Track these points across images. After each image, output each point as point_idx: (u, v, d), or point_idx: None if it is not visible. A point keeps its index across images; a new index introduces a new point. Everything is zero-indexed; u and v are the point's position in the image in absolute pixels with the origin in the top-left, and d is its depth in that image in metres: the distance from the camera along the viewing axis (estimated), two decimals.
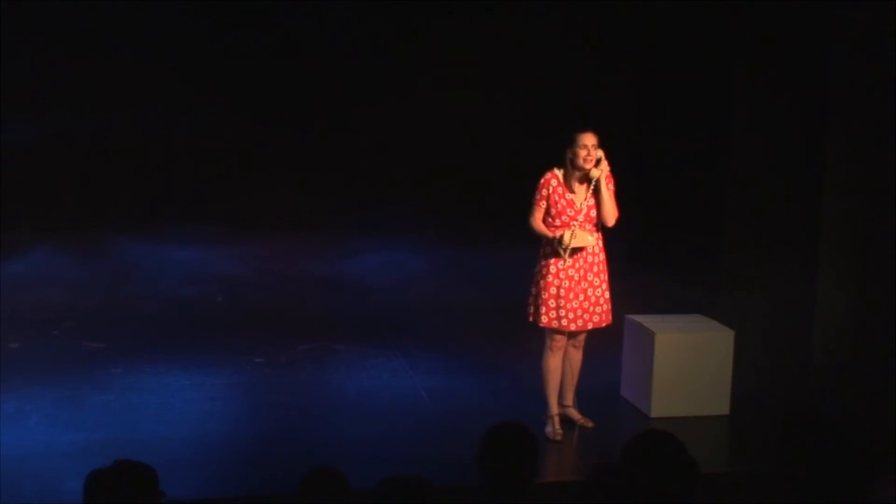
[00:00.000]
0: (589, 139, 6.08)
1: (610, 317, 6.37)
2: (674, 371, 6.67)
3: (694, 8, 8.45)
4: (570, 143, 6.10)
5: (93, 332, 8.17)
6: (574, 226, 6.09)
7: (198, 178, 9.32)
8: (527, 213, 6.22)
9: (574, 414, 6.49)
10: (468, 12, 9.35)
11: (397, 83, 9.48)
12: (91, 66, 8.96)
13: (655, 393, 6.65)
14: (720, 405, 6.73)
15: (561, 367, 6.37)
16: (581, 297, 6.19)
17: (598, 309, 6.27)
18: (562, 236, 6.07)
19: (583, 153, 6.07)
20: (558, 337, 6.28)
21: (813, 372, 7.63)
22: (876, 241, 7.64)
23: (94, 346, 7.92)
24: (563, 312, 6.17)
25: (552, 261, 6.16)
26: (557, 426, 6.33)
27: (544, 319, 6.20)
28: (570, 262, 6.13)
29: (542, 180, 6.18)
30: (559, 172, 6.18)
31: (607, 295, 6.32)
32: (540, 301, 6.19)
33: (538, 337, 6.43)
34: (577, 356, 6.41)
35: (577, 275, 6.17)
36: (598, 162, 6.09)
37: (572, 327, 6.22)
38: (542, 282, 6.18)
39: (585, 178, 6.13)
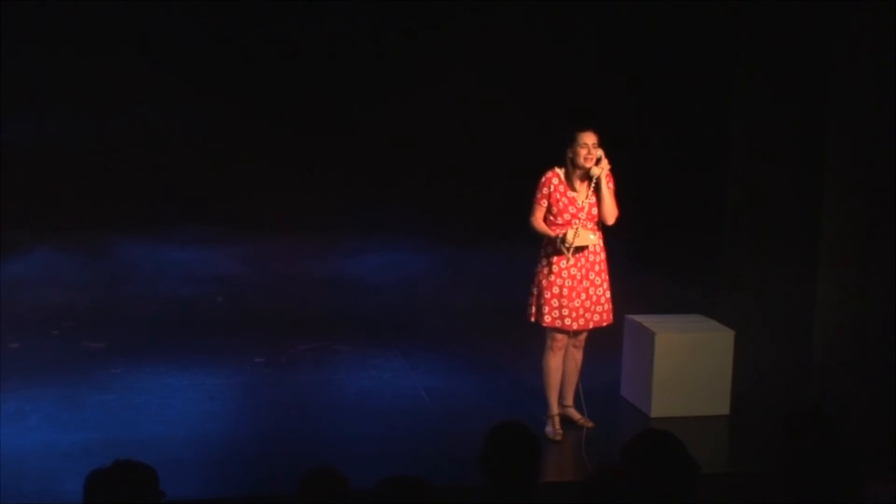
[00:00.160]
0: (589, 138, 6.09)
1: (611, 316, 6.37)
2: (674, 371, 6.67)
3: (694, 8, 8.45)
4: (571, 141, 6.12)
5: (93, 332, 8.17)
6: (576, 224, 6.09)
7: (198, 178, 9.31)
8: (527, 213, 6.22)
9: (574, 414, 6.49)
10: (468, 12, 9.35)
11: (397, 83, 9.47)
12: (91, 66, 8.95)
13: (655, 393, 6.65)
14: (720, 405, 6.73)
15: (561, 366, 6.38)
16: (583, 296, 6.19)
17: (598, 308, 6.27)
18: (564, 235, 6.08)
19: (583, 152, 6.08)
20: (559, 336, 6.29)
21: (813, 372, 7.62)
22: (876, 241, 7.64)
23: (94, 346, 7.92)
24: (565, 312, 6.17)
25: (553, 260, 6.16)
26: (557, 426, 6.34)
27: (547, 319, 6.19)
28: (572, 260, 6.13)
29: (543, 179, 6.19)
30: (560, 171, 6.18)
31: (608, 294, 6.33)
32: (542, 301, 6.19)
33: (538, 337, 6.43)
34: (577, 356, 6.42)
35: (578, 274, 6.17)
36: (598, 160, 6.10)
37: (574, 326, 6.22)
38: (543, 281, 6.18)
39: (586, 177, 6.14)
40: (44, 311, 8.42)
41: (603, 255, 6.28)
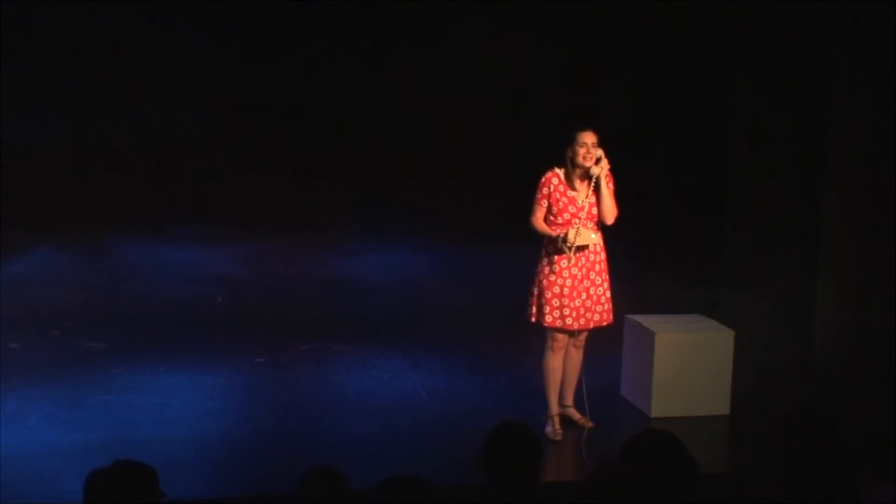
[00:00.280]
0: (588, 137, 6.10)
1: (611, 316, 6.37)
2: (674, 371, 6.67)
3: (694, 8, 8.45)
4: (570, 141, 6.12)
5: (93, 332, 8.17)
6: (576, 223, 6.09)
7: (198, 178, 9.32)
8: (528, 213, 6.22)
9: (574, 414, 6.49)
10: (469, 12, 9.35)
11: (398, 83, 9.47)
12: (91, 66, 8.96)
13: (655, 393, 6.65)
14: (720, 405, 6.73)
15: (562, 366, 6.38)
16: (583, 295, 6.19)
17: (599, 308, 6.27)
18: (566, 234, 6.08)
19: (582, 151, 6.09)
20: (560, 336, 6.29)
21: (813, 372, 7.62)
22: (876, 241, 7.63)
23: (94, 346, 7.92)
24: (566, 311, 6.17)
25: (554, 260, 6.16)
26: (558, 426, 6.34)
27: (548, 319, 6.20)
28: (573, 259, 6.13)
29: (543, 179, 6.19)
30: (560, 171, 6.18)
31: (609, 294, 6.33)
32: (543, 301, 6.19)
33: (538, 337, 6.43)
34: (577, 356, 6.41)
35: (579, 273, 6.17)
36: (598, 160, 6.10)
37: (575, 326, 6.22)
38: (544, 281, 6.19)
39: (586, 176, 6.14)
40: (44, 311, 8.43)
41: (603, 255, 6.28)
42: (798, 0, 7.61)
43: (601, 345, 6.69)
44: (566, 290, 6.16)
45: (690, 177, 8.67)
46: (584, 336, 6.38)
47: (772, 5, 7.72)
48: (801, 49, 7.69)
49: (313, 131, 9.42)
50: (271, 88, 9.35)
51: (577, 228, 6.08)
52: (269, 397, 7.02)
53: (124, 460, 3.56)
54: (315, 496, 3.59)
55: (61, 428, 6.26)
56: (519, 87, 9.36)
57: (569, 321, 6.19)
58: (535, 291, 6.25)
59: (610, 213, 6.16)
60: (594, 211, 6.15)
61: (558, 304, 6.17)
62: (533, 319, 6.29)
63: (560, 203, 6.14)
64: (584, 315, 6.22)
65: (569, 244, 6.08)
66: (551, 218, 6.18)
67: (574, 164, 6.14)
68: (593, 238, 6.17)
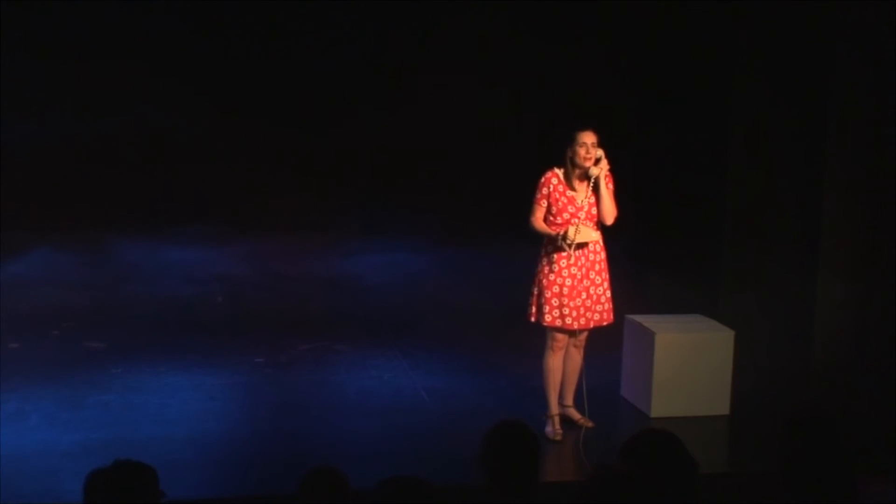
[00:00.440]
0: (588, 137, 6.10)
1: (611, 315, 6.37)
2: (674, 371, 6.67)
3: (694, 8, 8.45)
4: (570, 141, 6.13)
5: (93, 332, 8.18)
6: (576, 222, 6.10)
7: (198, 178, 9.31)
8: (527, 213, 6.22)
9: (574, 414, 6.49)
10: (469, 12, 9.34)
11: (398, 83, 9.48)
12: (91, 66, 8.95)
13: (655, 393, 6.65)
14: (720, 405, 6.73)
15: (562, 366, 6.38)
16: (583, 295, 6.19)
17: (599, 307, 6.27)
18: (566, 232, 6.08)
19: (582, 151, 6.09)
20: (560, 336, 6.29)
21: (813, 372, 7.62)
22: (876, 241, 7.64)
23: (94, 346, 7.92)
24: (566, 311, 6.17)
25: (554, 260, 6.16)
26: (557, 426, 6.34)
27: (548, 319, 6.20)
28: (572, 258, 6.13)
29: (543, 179, 6.19)
30: (559, 171, 6.19)
31: (609, 293, 6.33)
32: (543, 300, 6.19)
33: (538, 337, 6.43)
34: (577, 356, 6.41)
35: (579, 273, 6.17)
36: (597, 160, 6.10)
37: (575, 326, 6.22)
38: (544, 281, 6.19)
39: (585, 176, 6.14)
40: (44, 311, 8.43)
41: (603, 255, 6.28)
42: (799, 0, 7.61)
43: (601, 345, 6.69)
44: (566, 290, 6.16)
45: (690, 177, 8.67)
46: (584, 336, 6.38)
47: (772, 5, 7.73)
48: (801, 49, 7.69)
49: (313, 131, 9.42)
50: (271, 88, 9.34)
51: (577, 226, 6.08)
52: (269, 397, 7.02)
53: (124, 460, 3.56)
54: (315, 496, 3.59)
55: (61, 428, 6.27)
56: (519, 87, 9.36)
57: (568, 321, 6.19)
58: (535, 291, 6.25)
59: (609, 214, 6.16)
60: (593, 211, 6.15)
61: (558, 303, 6.17)
62: (533, 319, 6.29)
63: (559, 203, 6.15)
64: (583, 315, 6.21)
65: (569, 241, 6.08)
66: (551, 218, 6.18)
67: (574, 164, 6.14)
68: (594, 236, 6.18)
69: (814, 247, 7.72)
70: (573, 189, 6.16)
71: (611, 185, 6.18)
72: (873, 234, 7.65)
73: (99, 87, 8.99)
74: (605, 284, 6.30)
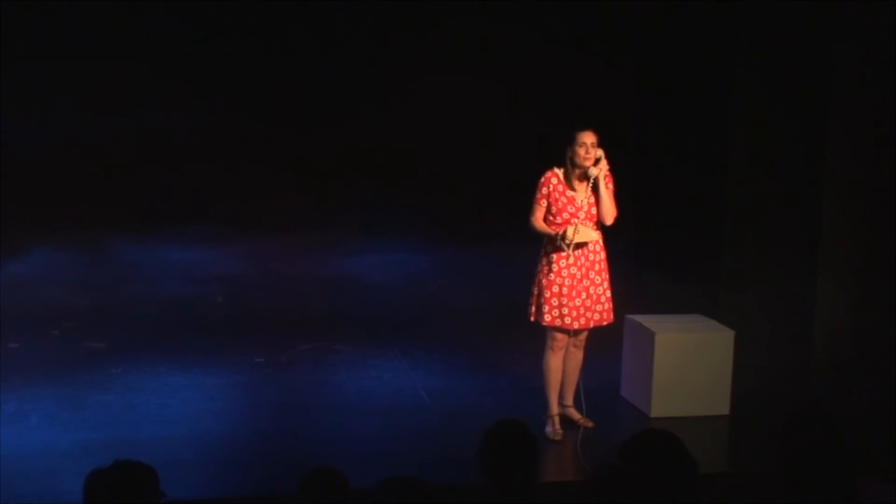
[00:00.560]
0: (588, 137, 6.10)
1: (611, 315, 6.38)
2: (674, 371, 6.67)
3: (694, 7, 8.45)
4: (570, 141, 6.13)
5: (93, 332, 8.18)
6: (575, 222, 6.10)
7: (198, 178, 9.30)
8: (527, 213, 6.23)
9: (574, 414, 6.49)
10: (469, 12, 9.34)
11: (398, 83, 9.47)
12: (91, 66, 8.94)
13: (655, 393, 6.66)
14: (720, 405, 6.73)
15: (562, 366, 6.38)
16: (583, 294, 6.19)
17: (599, 307, 6.27)
18: (564, 231, 6.08)
19: (581, 151, 6.09)
20: (560, 336, 6.29)
21: (813, 372, 7.62)
22: (876, 241, 7.64)
23: (94, 346, 7.92)
24: (565, 311, 6.17)
25: (553, 259, 6.17)
26: (557, 426, 6.34)
27: (547, 318, 6.20)
28: (572, 259, 6.13)
29: (543, 179, 6.20)
30: (559, 171, 6.19)
31: (608, 293, 6.33)
32: (542, 300, 6.19)
33: (538, 337, 6.43)
34: (577, 356, 6.42)
35: (578, 273, 6.17)
36: (597, 161, 6.10)
37: (575, 325, 6.22)
38: (543, 280, 6.19)
39: (585, 176, 6.14)
40: (44, 311, 8.43)
41: (603, 255, 6.28)
42: (798, 0, 7.61)
43: (601, 345, 6.69)
44: (565, 290, 6.16)
45: (690, 177, 8.66)
46: (584, 336, 6.38)
47: (772, 5, 7.72)
48: (802, 49, 7.69)
49: (313, 131, 9.41)
50: (271, 88, 9.34)
51: (577, 226, 6.09)
52: (269, 397, 7.03)
53: (124, 460, 3.56)
54: (315, 496, 3.59)
55: (61, 428, 6.27)
56: (519, 86, 9.36)
57: (568, 320, 6.19)
58: (535, 291, 6.25)
59: (609, 214, 6.16)
60: (593, 211, 6.16)
61: (557, 303, 6.17)
62: (532, 319, 6.29)
63: (559, 203, 6.15)
64: (583, 315, 6.22)
65: (567, 241, 6.08)
66: (550, 217, 6.18)
67: (573, 164, 6.14)
68: (593, 235, 6.18)
69: (814, 247, 7.72)
70: (573, 189, 6.17)
71: (611, 185, 6.18)
72: (873, 234, 7.65)
73: (99, 87, 8.98)
74: (605, 284, 6.30)
